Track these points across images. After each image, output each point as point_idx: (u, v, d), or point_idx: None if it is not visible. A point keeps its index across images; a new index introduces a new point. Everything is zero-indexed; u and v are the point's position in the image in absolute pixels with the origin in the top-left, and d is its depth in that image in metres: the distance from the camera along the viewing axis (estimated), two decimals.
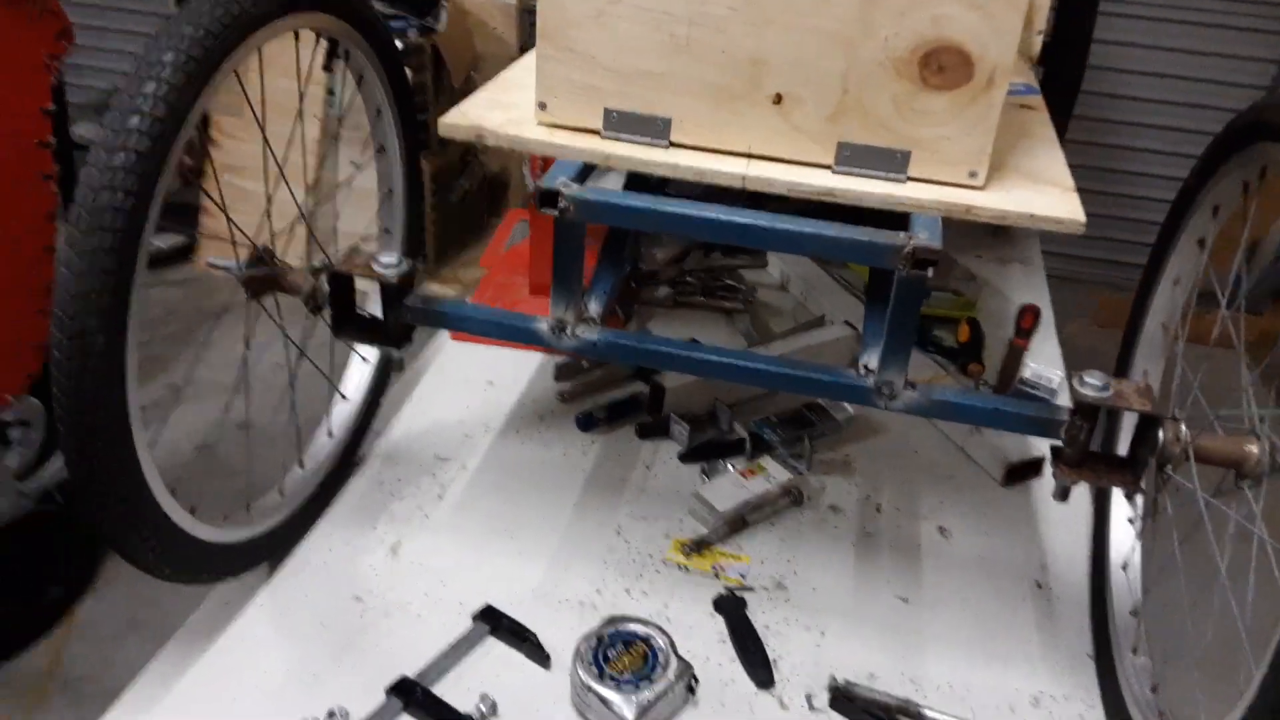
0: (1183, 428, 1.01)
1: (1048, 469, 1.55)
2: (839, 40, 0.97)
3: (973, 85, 0.97)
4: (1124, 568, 1.27)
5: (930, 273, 0.97)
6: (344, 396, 1.44)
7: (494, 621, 1.22)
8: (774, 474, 1.48)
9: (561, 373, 1.72)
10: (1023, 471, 1.55)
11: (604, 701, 1.09)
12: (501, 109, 1.11)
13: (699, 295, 1.94)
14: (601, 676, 1.11)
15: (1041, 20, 1.44)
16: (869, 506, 1.50)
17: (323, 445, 1.39)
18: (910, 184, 1.02)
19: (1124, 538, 1.29)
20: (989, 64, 0.95)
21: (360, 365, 1.47)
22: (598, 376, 1.71)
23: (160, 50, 0.90)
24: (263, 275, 1.16)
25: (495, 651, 1.21)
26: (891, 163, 1.01)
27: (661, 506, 1.46)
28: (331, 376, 1.44)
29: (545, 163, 1.68)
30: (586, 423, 1.60)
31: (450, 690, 1.14)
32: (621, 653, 1.14)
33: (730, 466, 1.50)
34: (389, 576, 1.30)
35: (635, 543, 1.39)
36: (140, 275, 0.90)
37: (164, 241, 3.89)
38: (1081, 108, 3.82)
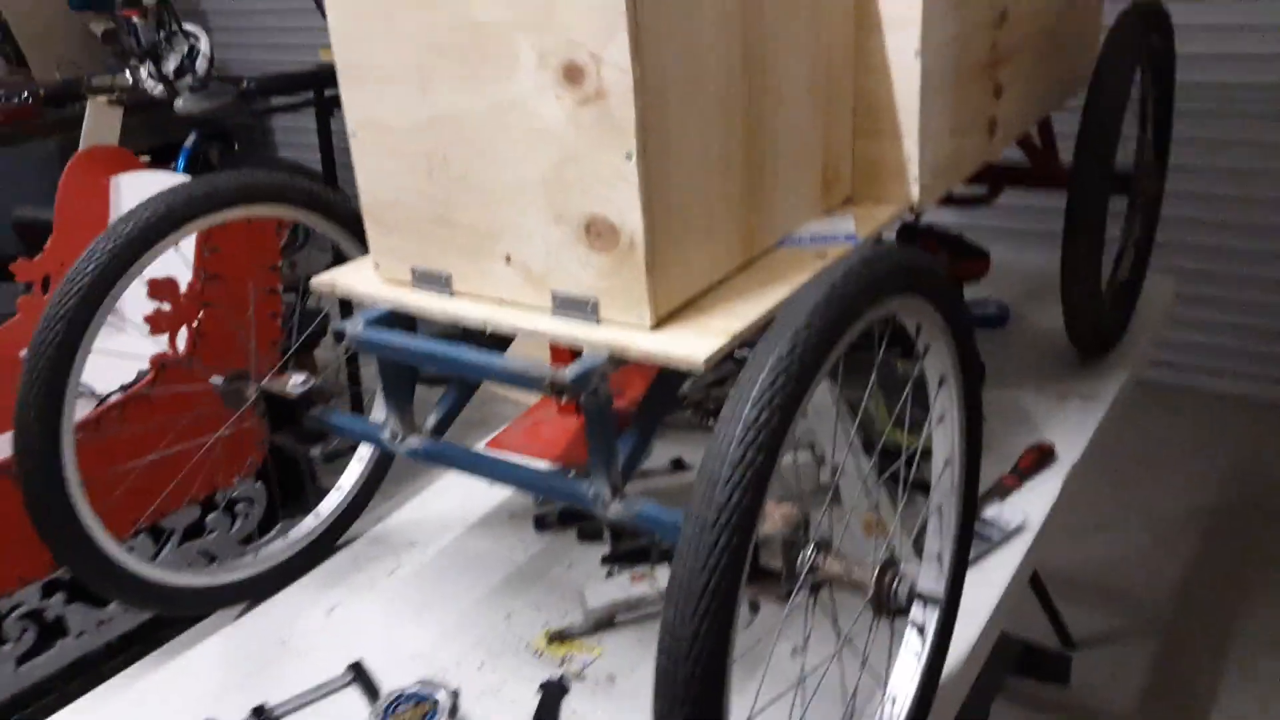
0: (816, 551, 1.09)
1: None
2: (536, 214, 1.23)
3: (621, 247, 1.17)
4: None
5: (564, 399, 1.17)
6: (338, 488, 1.84)
7: (357, 674, 1.52)
8: (659, 580, 1.64)
9: None
10: None
11: None
12: (361, 271, 1.47)
13: (714, 417, 2.12)
14: None
15: (914, 169, 1.55)
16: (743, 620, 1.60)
17: (307, 524, 1.79)
18: (599, 326, 1.23)
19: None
20: (628, 231, 1.16)
21: (356, 464, 1.87)
22: None
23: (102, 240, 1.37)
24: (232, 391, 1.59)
25: (346, 699, 1.49)
26: (586, 308, 1.23)
27: (558, 600, 1.67)
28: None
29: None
30: (539, 523, 1.86)
31: None
32: (408, 708, 1.39)
33: (627, 570, 1.68)
34: (315, 631, 1.64)
35: (516, 628, 1.62)
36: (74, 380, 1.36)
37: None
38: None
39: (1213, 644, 2.76)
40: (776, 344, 0.90)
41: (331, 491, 1.85)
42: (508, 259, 1.28)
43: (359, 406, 3.78)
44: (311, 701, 1.48)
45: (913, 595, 1.11)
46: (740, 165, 1.31)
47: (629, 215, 1.15)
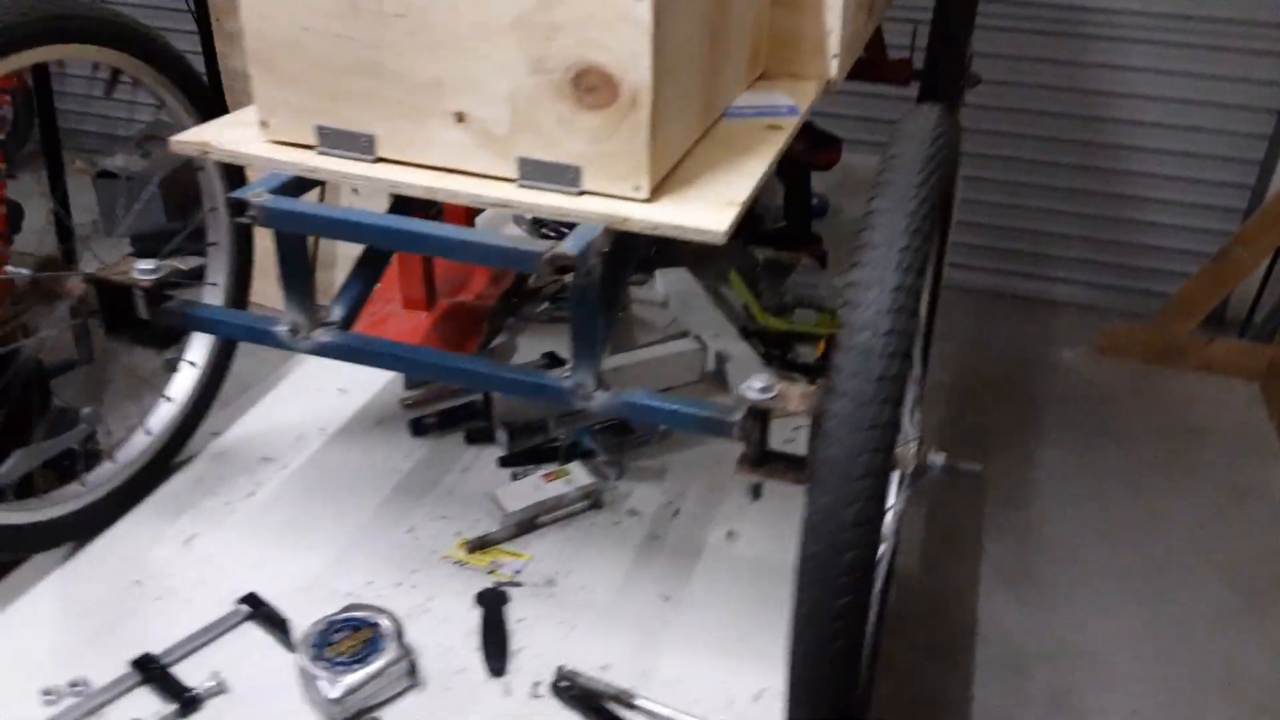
0: None
1: None
2: (502, 62, 1.04)
3: (620, 105, 1.02)
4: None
5: (569, 278, 1.03)
6: (168, 398, 1.55)
7: (254, 607, 1.31)
8: (576, 479, 1.54)
9: (412, 380, 1.80)
10: None
11: (313, 680, 1.16)
12: (238, 128, 1.20)
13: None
14: (316, 659, 1.18)
15: (834, 43, 1.49)
16: (668, 511, 1.54)
17: (138, 442, 1.50)
18: (584, 197, 1.08)
19: None
20: (630, 85, 1.01)
21: (189, 370, 1.58)
22: (444, 386, 1.79)
23: None
24: (42, 282, 1.27)
25: (250, 636, 1.29)
26: (565, 177, 1.07)
27: (463, 508, 1.53)
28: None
29: None
30: (418, 428, 1.68)
31: (190, 669, 1.22)
32: (346, 636, 1.21)
33: (538, 471, 1.56)
34: (175, 566, 1.39)
35: (424, 540, 1.46)
36: None
37: (184, 264, 4.11)
38: (1088, 134, 3.81)
39: (969, 499, 3.05)
40: (899, 212, 0.82)
41: (161, 403, 1.55)
42: (459, 117, 1.09)
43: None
44: (205, 643, 1.26)
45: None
46: (711, 30, 1.18)
47: (634, 66, 1.00)
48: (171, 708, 1.16)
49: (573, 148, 1.06)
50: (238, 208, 1.08)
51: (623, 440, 1.63)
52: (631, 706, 1.20)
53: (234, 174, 1.44)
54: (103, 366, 2.42)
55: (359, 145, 1.13)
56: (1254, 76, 3.71)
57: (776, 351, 1.93)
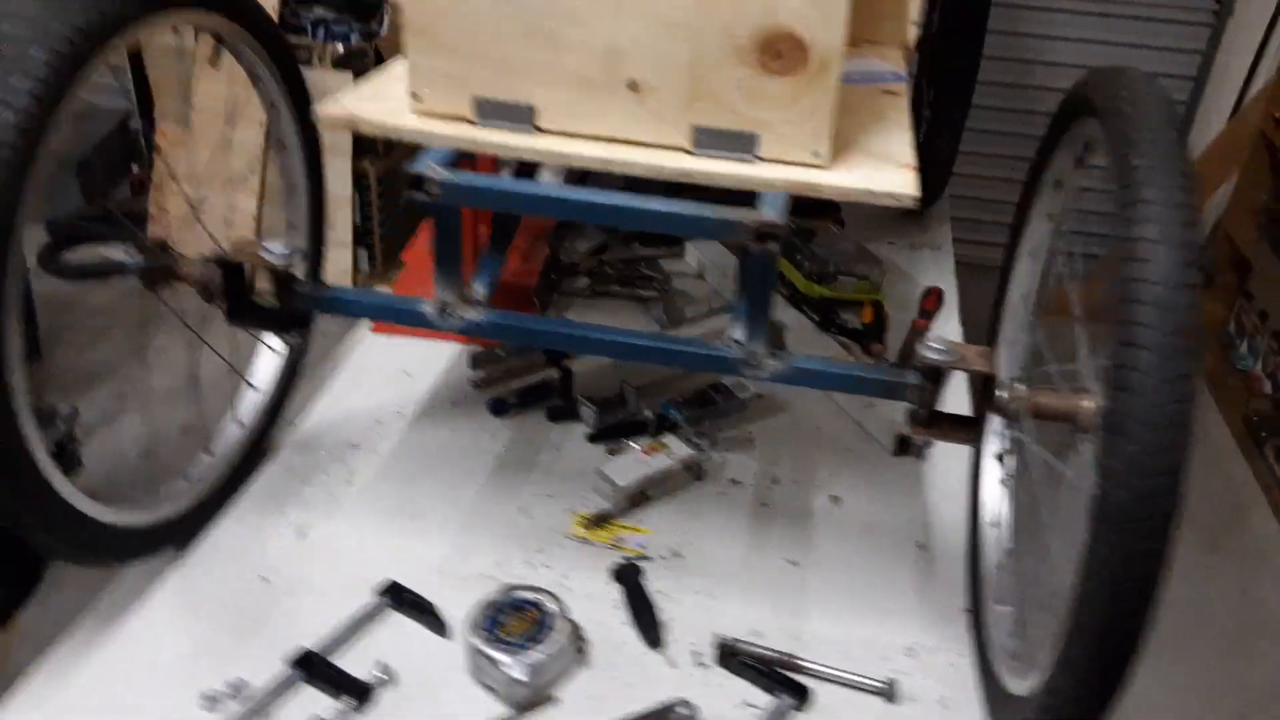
0: (1019, 386, 1.08)
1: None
2: (684, 29, 1.04)
3: (808, 70, 1.03)
4: (994, 525, 1.33)
5: (776, 246, 1.03)
6: (253, 386, 1.49)
7: (395, 596, 1.27)
8: (676, 451, 1.54)
9: (477, 361, 1.77)
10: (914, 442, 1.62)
11: (495, 664, 1.14)
12: (380, 100, 1.17)
13: (615, 284, 2.00)
14: (494, 641, 1.16)
15: (914, 10, 1.52)
16: (766, 479, 1.56)
17: (232, 434, 1.44)
18: (760, 164, 1.08)
19: (995, 497, 1.36)
20: (820, 49, 1.02)
21: (270, 356, 1.52)
22: (512, 364, 1.77)
23: (27, 44, 0.94)
24: (158, 267, 1.21)
25: (396, 624, 1.26)
26: (742, 145, 1.08)
27: (567, 485, 1.52)
28: (241, 367, 1.49)
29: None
30: (498, 408, 1.66)
31: (350, 661, 1.19)
32: (513, 618, 1.20)
33: (634, 445, 1.56)
34: (296, 558, 1.35)
35: (538, 519, 1.45)
36: (14, 263, 0.95)
37: (112, 251, 3.93)
38: (1000, 99, 3.93)
39: None
40: (1168, 167, 0.84)
41: (247, 392, 1.49)
42: (632, 85, 1.08)
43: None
44: (355, 635, 1.22)
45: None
46: None
47: (829, 30, 1.01)
48: (343, 703, 1.13)
49: (752, 114, 1.07)
50: (415, 183, 1.05)
51: (710, 410, 1.64)
52: (799, 669, 1.22)
53: None
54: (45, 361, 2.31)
55: (520, 116, 1.11)
56: (1173, 45, 3.94)
57: (822, 318, 1.97)
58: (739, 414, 1.68)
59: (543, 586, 1.25)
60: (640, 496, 1.48)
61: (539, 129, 1.12)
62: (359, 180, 3.59)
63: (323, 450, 1.55)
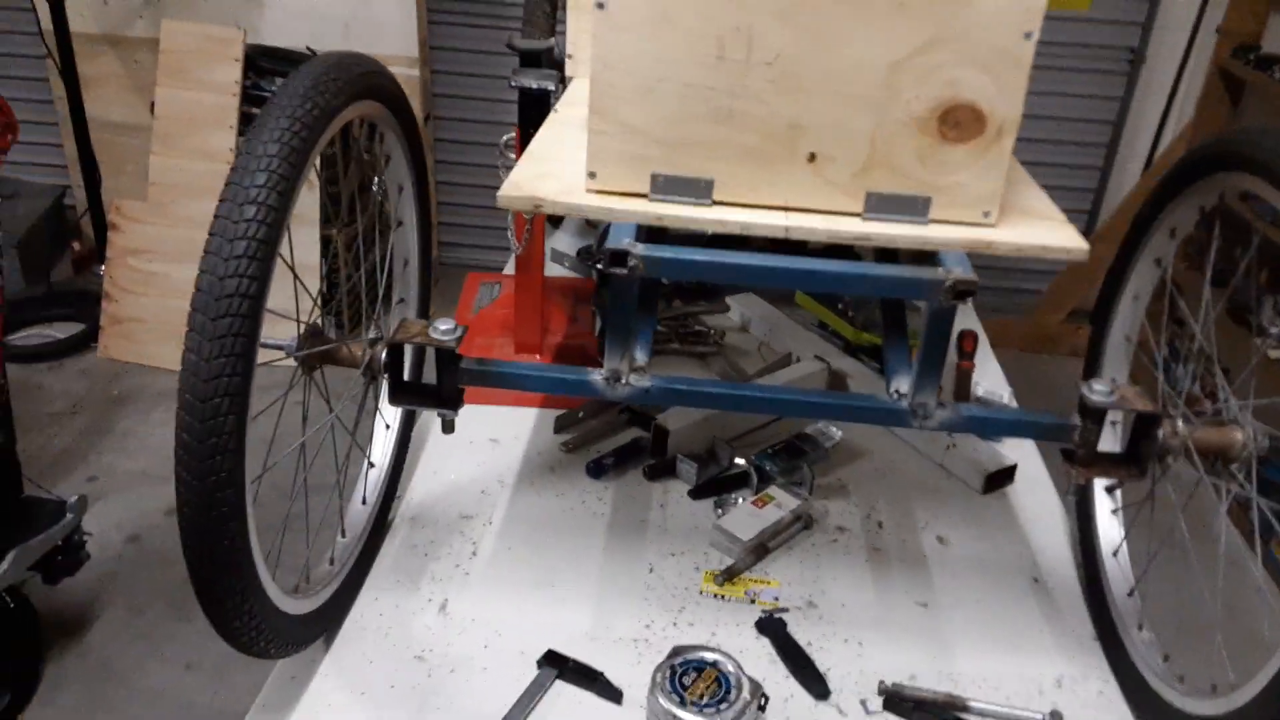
0: (1179, 423, 1.17)
1: (1019, 475, 1.71)
2: (867, 104, 1.10)
3: (985, 137, 1.10)
4: (1115, 555, 1.41)
5: (969, 301, 1.09)
6: (372, 463, 1.47)
7: (559, 665, 1.27)
8: (783, 501, 1.58)
9: (560, 424, 1.78)
10: (999, 479, 1.70)
11: None
12: (548, 179, 1.19)
13: (673, 342, 2.03)
14: (684, 704, 1.17)
15: None
16: (871, 524, 1.61)
17: (359, 512, 1.42)
18: (932, 225, 1.15)
19: (1111, 528, 1.44)
20: (998, 118, 1.09)
21: (383, 432, 1.50)
22: (595, 426, 1.78)
23: (263, 143, 0.94)
24: (318, 352, 1.19)
25: (566, 694, 1.26)
26: (914, 208, 1.14)
27: (685, 542, 1.54)
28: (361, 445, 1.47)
29: (532, 227, 1.76)
30: (597, 470, 1.67)
31: None
32: (695, 680, 1.21)
33: (741, 499, 1.60)
34: (445, 633, 1.33)
35: (669, 578, 1.47)
36: (256, 349, 0.94)
37: (61, 331, 3.76)
38: None
39: None
40: None
41: (368, 469, 1.47)
42: (810, 157, 1.13)
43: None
44: (532, 708, 1.21)
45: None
46: None
47: (1008, 101, 1.08)
48: None
49: (926, 180, 1.13)
50: (618, 259, 1.08)
51: (804, 460, 1.69)
52: (966, 709, 1.26)
53: None
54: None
55: (697, 190, 1.15)
56: (1093, 93, 4.24)
57: (876, 364, 2.04)
58: (826, 461, 1.73)
59: (713, 646, 1.27)
60: (761, 549, 1.52)
61: (715, 201, 1.16)
62: (325, 246, 3.54)
63: (438, 524, 1.54)
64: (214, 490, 0.90)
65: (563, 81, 1.69)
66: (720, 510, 1.59)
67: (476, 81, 4.14)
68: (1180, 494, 1.25)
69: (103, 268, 3.61)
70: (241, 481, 0.94)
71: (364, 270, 1.34)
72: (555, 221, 2.53)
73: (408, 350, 1.43)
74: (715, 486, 1.65)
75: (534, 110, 1.61)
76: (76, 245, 4.15)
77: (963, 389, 1.96)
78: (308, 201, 3.26)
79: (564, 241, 2.46)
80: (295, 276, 1.14)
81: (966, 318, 2.29)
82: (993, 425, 1.23)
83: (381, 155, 1.34)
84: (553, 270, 2.35)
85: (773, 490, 1.61)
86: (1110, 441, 1.42)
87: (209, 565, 0.95)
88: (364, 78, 1.10)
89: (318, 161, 1.05)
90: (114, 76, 3.79)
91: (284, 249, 0.98)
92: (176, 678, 2.37)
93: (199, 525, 0.92)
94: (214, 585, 0.96)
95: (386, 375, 1.22)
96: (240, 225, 0.90)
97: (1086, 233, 4.42)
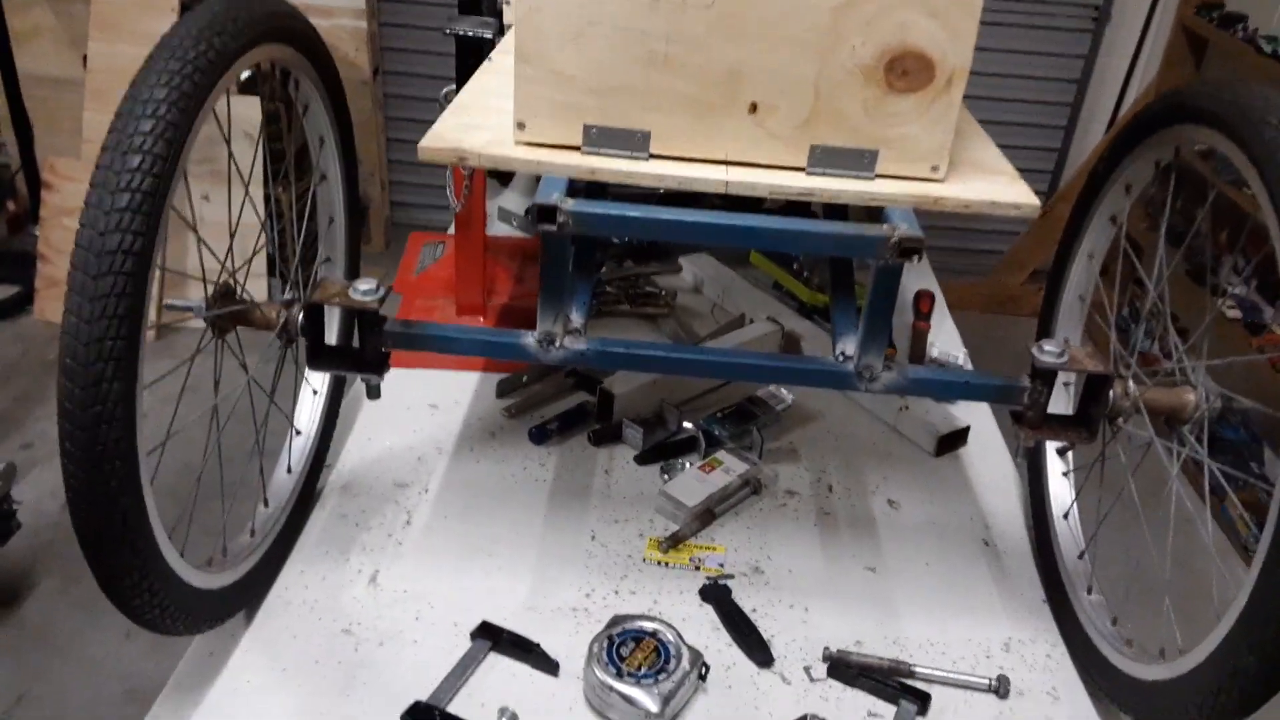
0: (1130, 384, 1.13)
1: (973, 437, 1.68)
2: (811, 50, 1.04)
3: (934, 86, 1.05)
4: (1065, 517, 1.39)
5: (918, 260, 1.05)
6: (298, 430, 1.41)
7: (494, 636, 1.23)
8: (731, 466, 1.54)
9: (503, 389, 1.72)
10: (952, 442, 1.67)
11: (627, 699, 1.11)
12: (476, 130, 1.12)
13: (623, 304, 1.98)
14: (620, 675, 1.13)
15: None
16: (821, 488, 1.58)
17: (283, 481, 1.36)
18: (878, 180, 1.10)
19: (1062, 490, 1.41)
20: (948, 67, 1.04)
21: (310, 398, 1.44)
22: (539, 390, 1.73)
23: (150, 86, 0.87)
24: (230, 312, 1.12)
25: (500, 666, 1.21)
26: (860, 162, 1.09)
27: (629, 508, 1.49)
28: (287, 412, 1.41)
29: (471, 183, 1.69)
30: (540, 435, 1.62)
31: (465, 709, 1.14)
32: (633, 650, 1.17)
33: (688, 464, 1.55)
34: (374, 606, 1.28)
35: (612, 545, 1.42)
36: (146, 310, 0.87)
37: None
38: None
39: None
40: None
41: (294, 436, 1.41)
42: (752, 107, 1.07)
43: None
44: (463, 682, 1.17)
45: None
46: None
47: (958, 48, 1.03)
48: None
49: (872, 132, 1.08)
50: (546, 214, 1.02)
51: (754, 424, 1.64)
52: (911, 674, 1.23)
53: None
54: None
55: (632, 143, 1.09)
56: (1057, 51, 4.19)
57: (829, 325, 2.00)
58: (777, 425, 1.69)
59: (647, 614, 1.23)
60: (708, 515, 1.47)
61: (652, 155, 1.10)
62: (273, 207, 3.44)
63: (370, 493, 1.48)
64: (101, 462, 0.84)
65: (502, 30, 1.61)
66: (666, 476, 1.55)
67: (428, 35, 4.02)
68: (1133, 456, 1.22)
69: (37, 228, 3.48)
70: (133, 452, 0.87)
71: (281, 229, 1.26)
72: (504, 179, 2.45)
73: (337, 313, 1.37)
74: (662, 452, 1.60)
75: (471, 59, 1.54)
76: (11, 205, 4.01)
77: (918, 350, 1.92)
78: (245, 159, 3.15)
79: (513, 200, 2.38)
80: (195, 232, 1.07)
81: (924, 278, 2.26)
82: (941, 387, 1.19)
83: (299, 104, 1.26)
84: (500, 230, 2.28)
85: (721, 455, 1.57)
86: (1064, 403, 1.40)
87: (101, 541, 0.89)
88: (269, 19, 1.02)
89: (230, 110, 0.98)
90: (46, 29, 3.63)
91: (187, 207, 0.91)
92: (115, 647, 2.31)
93: (87, 499, 0.86)
94: (108, 562, 0.90)
95: (305, 338, 1.15)
96: (123, 176, 0.83)
97: (1050, 192, 4.39)
